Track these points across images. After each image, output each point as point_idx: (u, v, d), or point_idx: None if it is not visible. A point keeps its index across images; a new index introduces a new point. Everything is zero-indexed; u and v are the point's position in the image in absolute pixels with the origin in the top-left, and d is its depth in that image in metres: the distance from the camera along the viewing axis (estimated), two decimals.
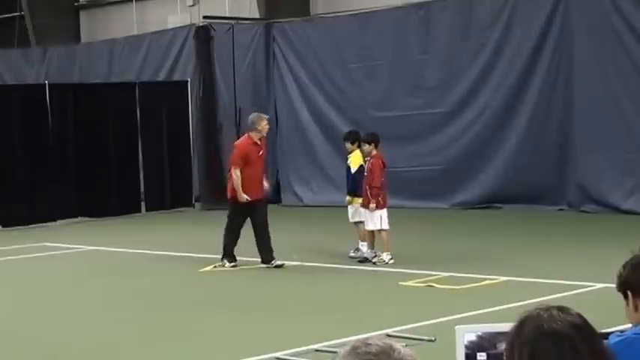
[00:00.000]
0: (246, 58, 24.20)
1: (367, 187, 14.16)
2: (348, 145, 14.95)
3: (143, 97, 23.34)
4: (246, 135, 14.70)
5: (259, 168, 14.46)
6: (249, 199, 14.06)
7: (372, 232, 14.25)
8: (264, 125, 14.43)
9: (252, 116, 14.76)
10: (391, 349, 2.43)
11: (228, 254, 14.46)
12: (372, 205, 14.02)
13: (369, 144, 14.44)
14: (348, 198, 14.79)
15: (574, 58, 19.32)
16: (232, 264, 14.40)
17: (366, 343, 2.45)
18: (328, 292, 12.51)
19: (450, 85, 20.99)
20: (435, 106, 21.17)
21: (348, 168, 14.90)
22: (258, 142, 14.38)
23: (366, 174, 14.28)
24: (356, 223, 14.68)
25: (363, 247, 14.50)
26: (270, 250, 14.28)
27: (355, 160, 14.74)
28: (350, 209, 14.72)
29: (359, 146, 14.72)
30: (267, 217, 14.42)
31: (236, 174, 14.09)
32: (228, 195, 14.41)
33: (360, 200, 14.53)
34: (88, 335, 10.52)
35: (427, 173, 21.13)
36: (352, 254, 14.62)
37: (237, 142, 14.90)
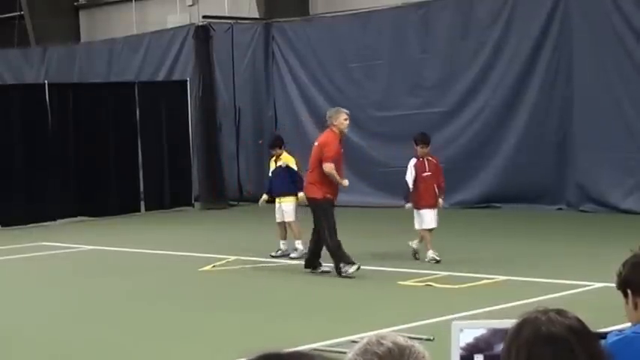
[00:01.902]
0: (245, 58, 24.23)
1: (442, 186, 14.24)
2: (278, 150, 15.50)
3: (142, 96, 23.35)
4: (328, 130, 13.68)
5: (339, 167, 13.63)
6: (345, 184, 13.59)
7: (426, 230, 14.15)
8: (342, 120, 13.53)
9: (330, 111, 13.95)
10: (401, 350, 2.42)
11: (344, 259, 13.22)
12: (442, 201, 14.24)
13: (428, 145, 14.42)
14: (300, 195, 14.99)
15: (574, 58, 19.33)
16: (356, 267, 13.09)
17: (379, 341, 2.45)
18: (327, 292, 12.52)
19: (450, 84, 21.01)
20: (435, 106, 21.19)
21: (286, 169, 15.33)
22: (340, 139, 13.69)
23: (429, 173, 14.17)
24: (289, 222, 15.14)
25: (299, 244, 14.91)
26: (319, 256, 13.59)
27: (290, 159, 15.42)
28: (285, 207, 15.14)
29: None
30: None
31: (331, 166, 13.30)
32: (318, 195, 13.50)
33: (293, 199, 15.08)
34: (87, 334, 10.52)
35: None
36: (293, 254, 14.93)
37: (325, 139, 13.64)
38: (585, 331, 2.74)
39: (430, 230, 14.07)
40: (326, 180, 13.41)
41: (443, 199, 14.38)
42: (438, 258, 13.88)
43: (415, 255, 14.20)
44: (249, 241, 17.25)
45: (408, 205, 14.23)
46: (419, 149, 14.38)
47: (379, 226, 18.33)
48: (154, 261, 15.76)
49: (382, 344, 2.42)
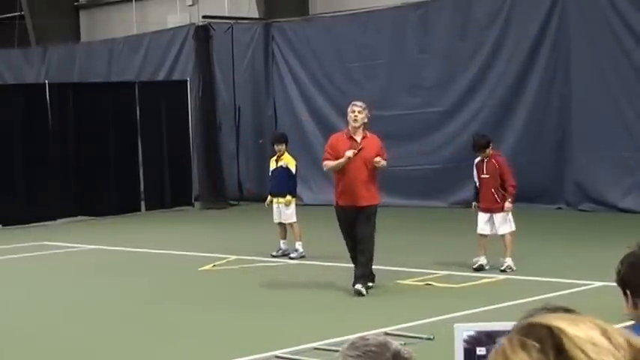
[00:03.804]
0: (245, 58, 24.27)
1: (508, 190, 13.13)
2: (281, 147, 15.37)
3: (143, 96, 23.39)
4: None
5: (353, 170, 11.84)
6: (349, 155, 11.66)
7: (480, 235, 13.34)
8: (349, 113, 12.02)
9: None
10: (388, 342, 2.54)
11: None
12: (509, 205, 13.05)
13: (482, 149, 13.47)
14: (288, 198, 15.09)
15: (572, 57, 19.38)
16: (359, 291, 11.89)
17: (364, 338, 2.56)
18: (327, 291, 12.54)
19: (448, 84, 21.06)
20: (434, 105, 21.24)
21: (286, 169, 15.27)
22: (355, 138, 11.90)
23: (487, 176, 13.18)
24: (291, 224, 15.18)
25: (300, 246, 14.95)
26: (363, 269, 12.02)
27: (291, 161, 15.32)
28: (286, 210, 15.15)
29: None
30: (369, 229, 12.14)
31: (324, 164, 12.20)
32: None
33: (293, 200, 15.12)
34: (87, 334, 10.56)
35: (426, 172, 21.18)
36: (293, 254, 15.01)
37: None
38: None
39: (485, 236, 13.19)
40: (337, 185, 12.34)
41: (510, 203, 13.02)
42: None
43: (507, 268, 13.08)
44: (249, 240, 17.29)
45: (474, 204, 13.44)
46: (477, 154, 13.52)
47: (378, 225, 18.31)
48: (154, 260, 15.79)
49: (368, 339, 2.55)
